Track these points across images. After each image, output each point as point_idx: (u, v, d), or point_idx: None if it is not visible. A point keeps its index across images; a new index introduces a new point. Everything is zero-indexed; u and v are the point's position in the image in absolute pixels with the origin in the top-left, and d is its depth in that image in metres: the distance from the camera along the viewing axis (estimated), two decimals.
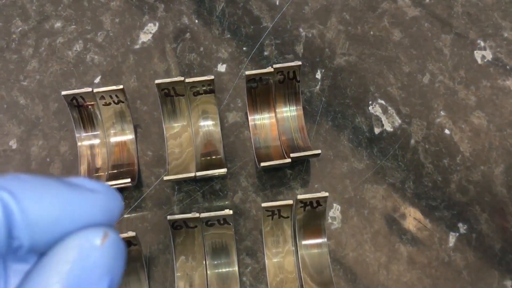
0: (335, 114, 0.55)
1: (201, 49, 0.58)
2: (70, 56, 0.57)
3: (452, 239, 0.50)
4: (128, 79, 0.56)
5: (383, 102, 0.55)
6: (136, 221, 0.51)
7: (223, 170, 0.48)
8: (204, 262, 0.48)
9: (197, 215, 0.45)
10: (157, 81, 0.50)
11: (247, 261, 0.49)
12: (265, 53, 0.58)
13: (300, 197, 0.46)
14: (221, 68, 0.57)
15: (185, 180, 0.52)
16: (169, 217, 0.46)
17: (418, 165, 0.53)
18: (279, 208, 0.47)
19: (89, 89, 0.50)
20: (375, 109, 0.55)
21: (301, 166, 0.53)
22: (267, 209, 0.47)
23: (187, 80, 0.50)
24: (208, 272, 0.48)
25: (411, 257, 0.49)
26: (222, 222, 0.47)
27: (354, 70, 0.57)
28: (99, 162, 0.52)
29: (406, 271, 0.49)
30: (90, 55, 0.57)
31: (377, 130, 0.54)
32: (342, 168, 0.53)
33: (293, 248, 0.49)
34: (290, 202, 0.46)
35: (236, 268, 0.48)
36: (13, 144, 0.54)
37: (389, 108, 0.55)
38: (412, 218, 0.51)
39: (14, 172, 0.52)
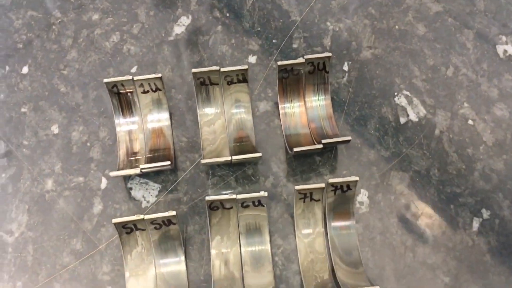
0: (361, 104, 0.57)
1: (233, 41, 0.60)
2: (108, 47, 0.60)
3: (476, 224, 0.52)
4: (163, 69, 0.59)
5: (408, 93, 0.57)
6: (172, 203, 0.53)
7: (258, 154, 0.50)
8: (238, 242, 0.50)
9: (234, 196, 0.48)
10: (193, 70, 0.52)
11: (278, 242, 0.52)
12: (294, 46, 0.60)
13: (331, 180, 0.48)
14: (252, 59, 0.60)
15: (219, 165, 0.54)
16: (207, 198, 0.48)
17: (443, 154, 0.55)
18: (311, 191, 0.49)
19: (130, 77, 0.52)
20: (400, 100, 0.57)
21: (329, 153, 0.55)
22: (300, 191, 0.49)
23: (222, 69, 0.53)
24: (243, 251, 0.50)
25: (436, 240, 0.51)
26: (256, 203, 0.49)
27: (380, 63, 0.59)
28: (137, 147, 0.54)
29: (431, 253, 0.51)
30: (126, 46, 0.60)
31: (402, 120, 0.56)
32: (369, 155, 0.55)
33: (323, 230, 0.51)
34: (322, 185, 0.49)
35: (269, 248, 0.50)
36: (55, 129, 0.56)
37: (414, 99, 0.57)
38: (437, 204, 0.53)
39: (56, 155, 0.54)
